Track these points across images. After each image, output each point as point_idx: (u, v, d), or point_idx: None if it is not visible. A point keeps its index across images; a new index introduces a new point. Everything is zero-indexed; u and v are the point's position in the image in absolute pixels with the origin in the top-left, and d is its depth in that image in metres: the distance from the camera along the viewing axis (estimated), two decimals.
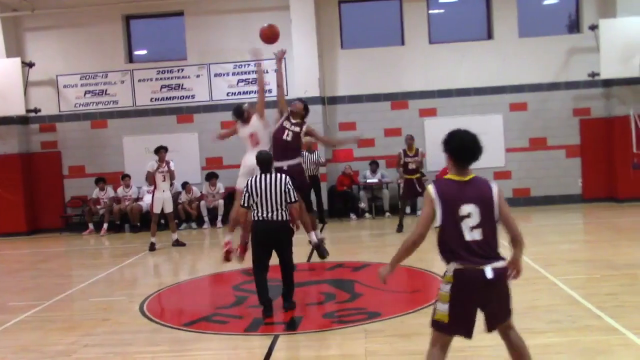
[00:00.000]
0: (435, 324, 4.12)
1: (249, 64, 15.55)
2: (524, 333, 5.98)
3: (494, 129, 15.07)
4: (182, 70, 16.13)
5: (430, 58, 15.68)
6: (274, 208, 6.85)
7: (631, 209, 13.93)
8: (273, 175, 6.98)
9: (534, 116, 15.40)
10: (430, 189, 4.11)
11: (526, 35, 15.50)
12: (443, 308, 4.02)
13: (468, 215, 3.98)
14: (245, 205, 6.92)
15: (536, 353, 5.45)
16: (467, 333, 4.08)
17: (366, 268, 9.47)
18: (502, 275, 4.05)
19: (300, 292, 7.56)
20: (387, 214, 15.19)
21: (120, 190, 15.63)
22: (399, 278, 9.02)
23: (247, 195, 6.89)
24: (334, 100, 15.88)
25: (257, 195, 6.85)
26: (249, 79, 15.88)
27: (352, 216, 15.15)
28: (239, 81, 16.02)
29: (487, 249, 3.99)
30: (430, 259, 8.67)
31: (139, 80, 16.21)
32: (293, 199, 6.93)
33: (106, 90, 16.25)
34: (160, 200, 12.10)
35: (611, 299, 6.87)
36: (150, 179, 12.14)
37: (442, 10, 16.48)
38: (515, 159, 15.39)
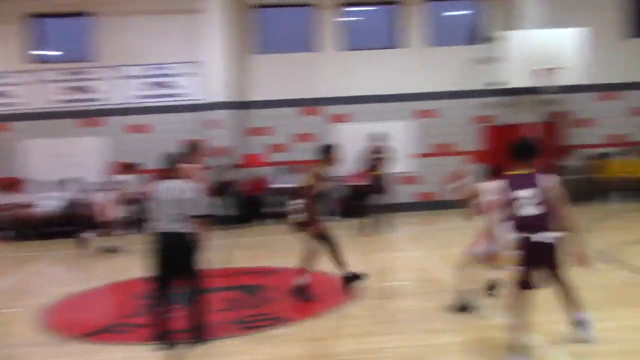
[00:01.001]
0: None
1: (162, 67, 15.33)
2: (425, 334, 6.19)
3: (401, 135, 15.50)
4: (91, 72, 15.66)
5: (342, 65, 15.97)
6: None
7: None
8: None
9: (440, 123, 15.97)
10: None
11: (433, 44, 16.06)
12: None
13: None
14: None
15: (438, 352, 5.68)
16: None
17: (275, 273, 9.50)
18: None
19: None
20: None
21: (17, 195, 14.91)
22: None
23: None
24: (247, 105, 15.86)
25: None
26: (162, 82, 15.64)
27: (260, 221, 15.07)
28: (151, 84, 15.74)
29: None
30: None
31: (44, 82, 15.60)
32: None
33: (4, 92, 15.54)
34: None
35: (503, 298, 7.21)
36: None
37: (353, 19, 16.80)
38: (420, 164, 15.88)
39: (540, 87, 15.06)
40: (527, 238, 5.30)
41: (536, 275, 5.35)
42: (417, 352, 5.71)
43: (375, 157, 12.80)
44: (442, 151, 16.04)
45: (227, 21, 15.21)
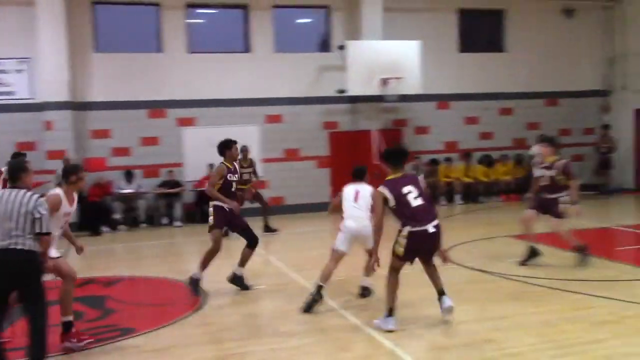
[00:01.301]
0: None
1: None
2: (278, 337, 6.17)
3: (251, 140, 15.45)
4: None
5: (189, 67, 15.60)
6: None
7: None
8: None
9: (289, 128, 16.14)
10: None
11: (282, 50, 16.20)
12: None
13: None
14: None
15: (291, 355, 5.68)
16: None
17: (119, 283, 9.04)
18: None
19: None
20: (143, 224, 14.75)
21: None
22: (151, 290, 8.78)
23: None
24: (86, 106, 14.96)
25: None
26: None
27: (105, 228, 14.27)
28: None
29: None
30: (185, 270, 8.59)
31: None
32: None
33: None
34: None
35: (355, 298, 7.42)
36: None
37: (201, 20, 16.50)
38: (270, 169, 15.93)
39: (382, 96, 15.81)
40: (422, 229, 6.05)
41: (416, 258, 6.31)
42: (273, 356, 5.66)
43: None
44: (290, 156, 16.22)
45: (63, 16, 14.25)
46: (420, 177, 6.96)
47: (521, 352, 5.51)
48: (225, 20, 16.65)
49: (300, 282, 8.44)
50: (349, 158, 16.38)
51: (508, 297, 7.26)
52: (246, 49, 16.20)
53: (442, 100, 17.42)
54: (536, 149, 12.70)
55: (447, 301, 6.33)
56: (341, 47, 15.72)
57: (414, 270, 6.43)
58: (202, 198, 13.38)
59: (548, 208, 8.79)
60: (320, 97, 16.25)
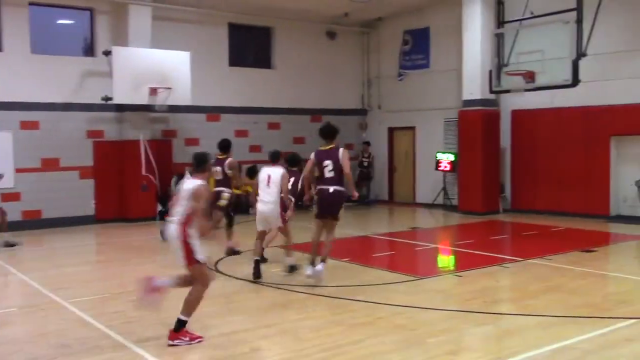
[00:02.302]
0: None
1: None
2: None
3: (3, 148, 14.03)
4: None
5: None
6: None
7: (141, 228, 14.70)
8: None
9: (47, 136, 14.88)
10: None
11: (39, 52, 14.91)
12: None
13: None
14: None
15: None
16: None
17: None
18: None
19: None
20: None
21: None
22: None
23: None
24: None
25: None
26: None
27: None
28: None
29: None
30: None
31: None
32: None
33: None
34: None
35: (119, 317, 7.05)
36: None
37: None
38: (25, 180, 14.52)
39: (151, 105, 15.36)
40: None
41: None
42: None
43: None
44: (48, 166, 14.95)
45: None
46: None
47: (290, 357, 5.66)
48: None
49: (59, 302, 7.78)
50: (115, 169, 15.70)
51: (275, 306, 7.45)
52: None
53: (213, 112, 17.46)
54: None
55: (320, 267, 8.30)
56: (107, 53, 14.97)
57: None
58: None
59: None
60: (84, 104, 15.26)
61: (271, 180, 8.91)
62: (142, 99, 14.97)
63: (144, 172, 15.53)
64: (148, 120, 16.01)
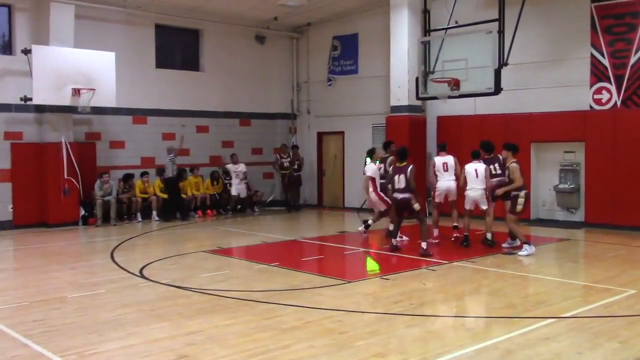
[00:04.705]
0: None
1: None
2: None
3: None
4: None
5: None
6: None
7: (61, 234, 14.19)
8: None
9: None
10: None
11: None
12: None
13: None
14: None
15: None
16: None
17: None
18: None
19: None
20: None
21: None
22: None
23: None
24: None
25: None
26: None
27: None
28: None
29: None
30: None
31: None
32: None
33: None
34: None
35: (39, 325, 6.75)
36: None
37: None
38: None
39: (73, 107, 14.85)
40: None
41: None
42: None
43: None
44: None
45: None
46: None
47: None
48: None
49: None
50: (34, 172, 15.08)
51: (202, 311, 7.32)
52: None
53: (139, 114, 17.07)
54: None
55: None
56: (26, 52, 14.37)
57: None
58: None
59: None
60: (1, 104, 14.62)
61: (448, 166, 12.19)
62: (64, 100, 14.47)
63: (65, 175, 14.99)
64: (70, 122, 15.48)
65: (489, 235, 11.61)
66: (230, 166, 18.07)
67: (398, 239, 11.45)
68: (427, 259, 10.56)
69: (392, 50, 16.70)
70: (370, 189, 12.51)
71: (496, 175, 11.62)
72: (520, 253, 10.82)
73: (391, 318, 7.03)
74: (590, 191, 14.34)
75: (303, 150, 19.77)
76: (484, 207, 11.54)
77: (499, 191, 11.20)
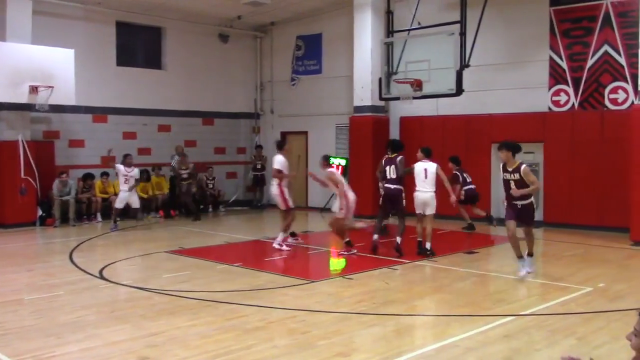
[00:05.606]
0: None
1: None
2: None
3: None
4: None
5: None
6: None
7: (18, 235, 13.87)
8: None
9: None
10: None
11: None
12: None
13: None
14: None
15: None
16: None
17: None
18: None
19: None
20: None
21: None
22: None
23: None
24: None
25: None
26: None
27: None
28: None
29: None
30: None
31: None
32: None
33: None
34: None
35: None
36: None
37: None
38: None
39: (31, 104, 14.52)
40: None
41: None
42: None
43: None
44: None
45: None
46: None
47: None
48: None
49: None
50: None
51: (163, 313, 7.23)
52: None
53: (99, 113, 16.80)
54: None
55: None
56: None
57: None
58: None
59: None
60: None
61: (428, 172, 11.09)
62: (22, 97, 14.12)
63: (22, 175, 14.66)
64: (28, 120, 15.15)
65: (428, 245, 10.88)
66: (120, 167, 14.91)
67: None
68: (391, 259, 10.62)
69: (356, 50, 16.77)
70: (274, 183, 12.26)
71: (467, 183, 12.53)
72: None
73: (354, 317, 7.06)
74: (549, 191, 14.63)
75: (266, 150, 19.70)
76: (430, 212, 10.89)
77: (518, 193, 9.34)
